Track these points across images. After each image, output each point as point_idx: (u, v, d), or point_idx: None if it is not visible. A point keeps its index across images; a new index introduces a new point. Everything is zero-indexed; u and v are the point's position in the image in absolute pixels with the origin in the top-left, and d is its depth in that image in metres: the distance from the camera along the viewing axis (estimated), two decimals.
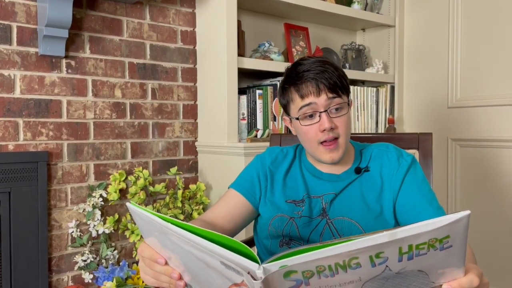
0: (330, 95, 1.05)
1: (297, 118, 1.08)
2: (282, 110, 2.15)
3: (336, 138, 1.06)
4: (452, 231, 0.55)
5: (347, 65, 2.69)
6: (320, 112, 1.05)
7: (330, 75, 1.05)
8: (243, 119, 2.15)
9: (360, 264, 0.56)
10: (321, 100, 1.04)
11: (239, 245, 0.62)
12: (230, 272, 0.62)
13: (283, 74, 1.15)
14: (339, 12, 2.47)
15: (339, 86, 1.06)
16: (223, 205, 1.16)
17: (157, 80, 2.15)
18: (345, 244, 0.54)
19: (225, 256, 0.60)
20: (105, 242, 1.93)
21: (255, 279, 0.59)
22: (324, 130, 1.04)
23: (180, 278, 0.73)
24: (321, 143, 1.07)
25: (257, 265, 0.58)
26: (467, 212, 0.54)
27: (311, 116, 1.06)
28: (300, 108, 1.07)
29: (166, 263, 0.74)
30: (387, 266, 0.57)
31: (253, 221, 1.23)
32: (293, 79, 1.08)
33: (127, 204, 0.71)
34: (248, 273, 0.59)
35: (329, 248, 0.55)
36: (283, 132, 2.19)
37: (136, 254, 2.00)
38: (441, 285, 0.62)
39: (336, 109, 1.06)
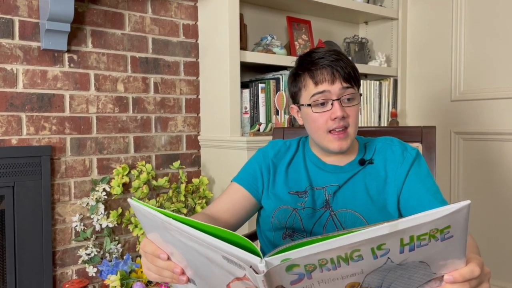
0: (345, 84, 1.06)
1: (309, 105, 1.08)
2: (284, 103, 2.16)
3: (345, 128, 1.07)
4: (453, 221, 0.55)
5: (349, 58, 2.67)
6: (332, 100, 1.05)
7: (345, 64, 1.07)
8: (246, 113, 2.15)
9: (362, 256, 0.56)
10: (335, 88, 1.05)
11: (240, 239, 0.62)
12: (232, 266, 0.62)
13: (295, 62, 1.15)
14: (341, 5, 2.46)
15: (353, 77, 1.08)
16: (226, 199, 1.16)
17: (160, 74, 2.15)
18: (347, 236, 0.54)
19: (227, 251, 0.60)
20: (109, 236, 1.94)
21: (257, 273, 0.59)
22: (336, 118, 1.05)
23: (183, 273, 0.73)
24: (330, 131, 1.07)
25: (259, 258, 0.58)
26: (467, 202, 0.54)
27: (322, 104, 1.07)
28: (313, 95, 1.07)
29: (169, 258, 0.74)
30: (388, 257, 0.57)
31: (256, 214, 1.24)
32: (307, 65, 1.09)
33: (129, 200, 0.71)
34: (250, 267, 0.59)
35: (331, 240, 0.55)
36: (285, 126, 2.19)
37: (139, 248, 2.01)
38: (442, 276, 0.62)
39: (348, 99, 1.07)
